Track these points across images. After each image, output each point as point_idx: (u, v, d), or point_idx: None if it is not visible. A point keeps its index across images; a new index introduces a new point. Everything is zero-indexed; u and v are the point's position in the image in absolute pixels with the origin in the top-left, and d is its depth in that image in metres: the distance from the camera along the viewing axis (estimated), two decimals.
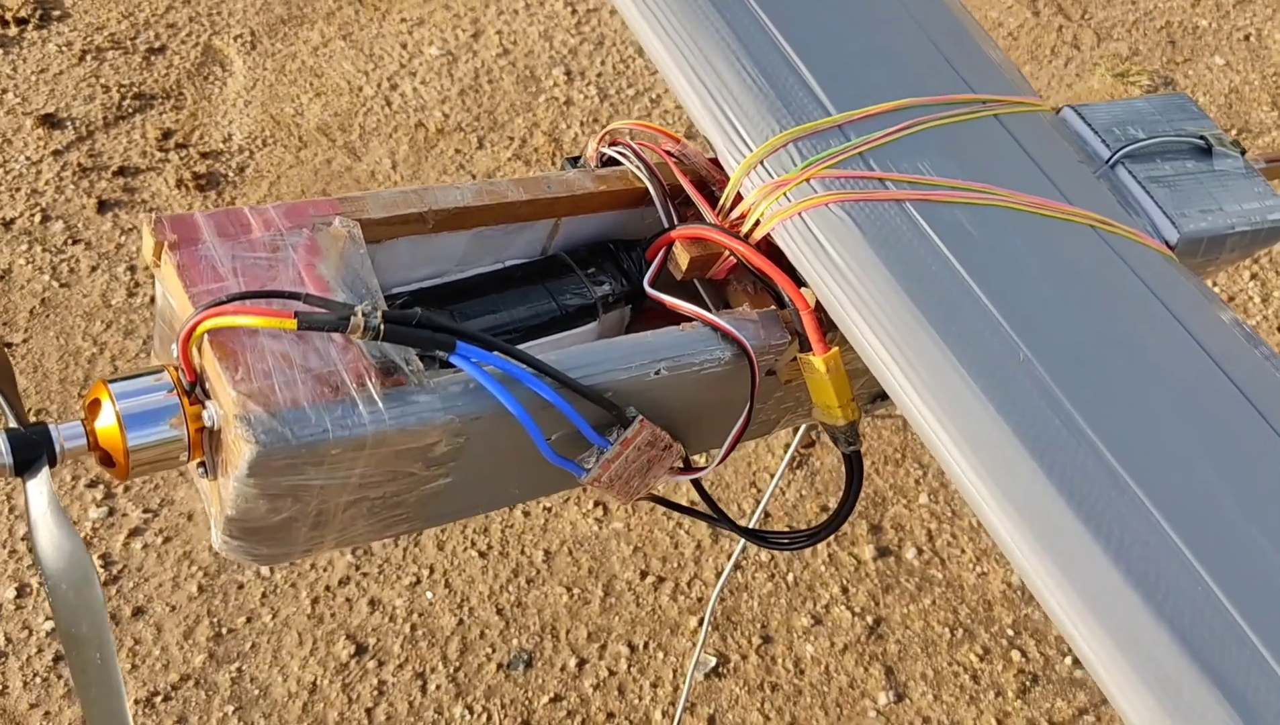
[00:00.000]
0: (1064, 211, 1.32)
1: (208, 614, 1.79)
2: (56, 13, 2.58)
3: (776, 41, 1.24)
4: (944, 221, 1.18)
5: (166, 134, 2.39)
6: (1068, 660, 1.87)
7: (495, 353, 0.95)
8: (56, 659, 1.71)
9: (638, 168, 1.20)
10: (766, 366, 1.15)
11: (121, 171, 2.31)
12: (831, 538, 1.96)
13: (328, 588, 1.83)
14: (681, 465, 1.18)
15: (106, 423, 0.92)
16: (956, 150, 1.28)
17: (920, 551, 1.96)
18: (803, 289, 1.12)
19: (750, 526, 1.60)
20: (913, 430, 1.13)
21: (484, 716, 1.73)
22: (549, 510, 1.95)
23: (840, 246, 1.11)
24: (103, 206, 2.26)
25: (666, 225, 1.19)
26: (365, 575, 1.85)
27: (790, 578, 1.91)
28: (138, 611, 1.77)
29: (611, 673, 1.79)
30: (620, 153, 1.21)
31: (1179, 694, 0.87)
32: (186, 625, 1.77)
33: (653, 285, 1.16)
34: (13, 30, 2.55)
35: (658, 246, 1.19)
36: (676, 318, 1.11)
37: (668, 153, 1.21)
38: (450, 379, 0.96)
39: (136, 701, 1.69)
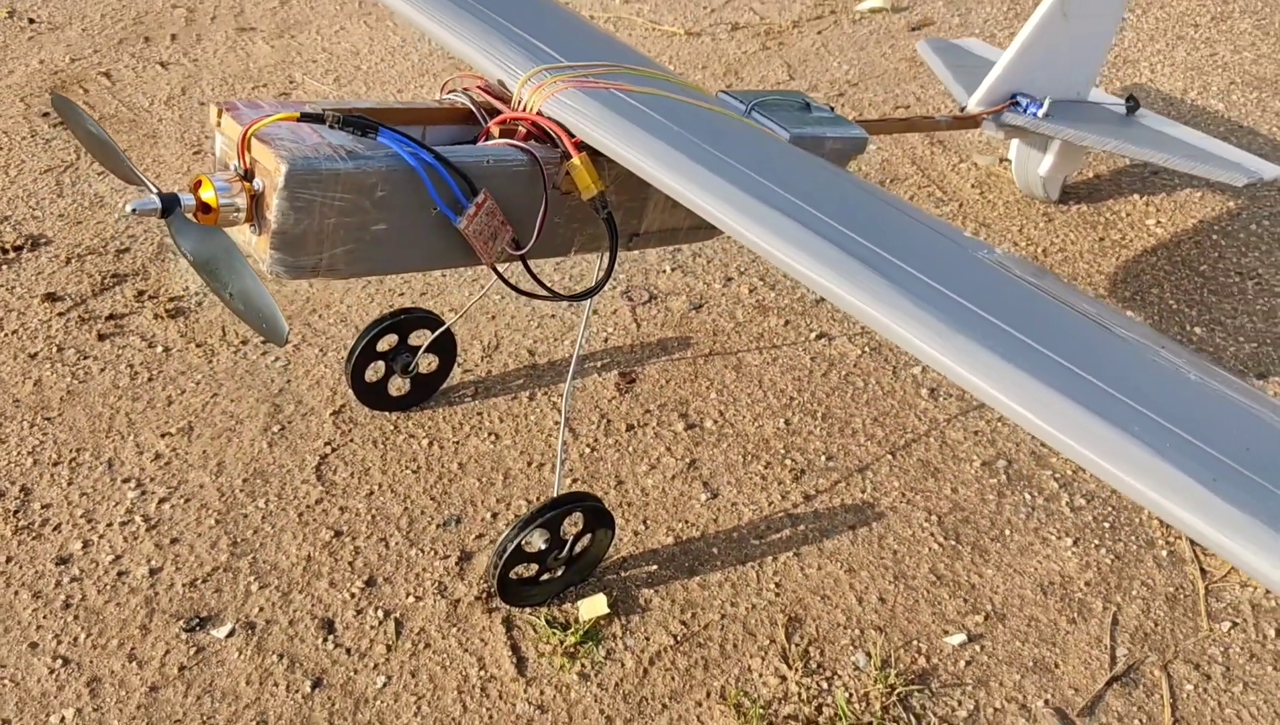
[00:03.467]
0: (715, 109, 2.27)
1: (224, 533, 2.42)
2: (44, 240, 3.41)
3: (523, 36, 2.21)
4: (638, 98, 2.10)
5: (140, 293, 3.19)
6: (823, 458, 2.64)
7: (403, 138, 1.81)
8: (119, 574, 2.33)
9: (463, 97, 2.11)
10: (551, 176, 2.02)
11: (112, 317, 3.08)
12: (630, 392, 2.73)
13: (308, 506, 2.49)
14: (514, 248, 2.03)
15: (208, 194, 1.74)
16: (642, 81, 2.23)
17: (715, 422, 2.74)
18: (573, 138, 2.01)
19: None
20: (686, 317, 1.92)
21: (432, 552, 2.39)
22: (458, 444, 2.68)
23: (579, 105, 2.01)
24: (102, 337, 3.01)
25: (483, 122, 2.09)
26: (333, 496, 2.52)
27: (630, 448, 2.66)
28: (174, 540, 2.40)
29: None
30: (452, 92, 2.13)
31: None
32: (210, 541, 2.40)
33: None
34: (11, 254, 3.36)
35: (482, 135, 2.08)
36: None
37: (479, 87, 2.13)
38: (381, 150, 1.81)
39: (183, 585, 2.31)
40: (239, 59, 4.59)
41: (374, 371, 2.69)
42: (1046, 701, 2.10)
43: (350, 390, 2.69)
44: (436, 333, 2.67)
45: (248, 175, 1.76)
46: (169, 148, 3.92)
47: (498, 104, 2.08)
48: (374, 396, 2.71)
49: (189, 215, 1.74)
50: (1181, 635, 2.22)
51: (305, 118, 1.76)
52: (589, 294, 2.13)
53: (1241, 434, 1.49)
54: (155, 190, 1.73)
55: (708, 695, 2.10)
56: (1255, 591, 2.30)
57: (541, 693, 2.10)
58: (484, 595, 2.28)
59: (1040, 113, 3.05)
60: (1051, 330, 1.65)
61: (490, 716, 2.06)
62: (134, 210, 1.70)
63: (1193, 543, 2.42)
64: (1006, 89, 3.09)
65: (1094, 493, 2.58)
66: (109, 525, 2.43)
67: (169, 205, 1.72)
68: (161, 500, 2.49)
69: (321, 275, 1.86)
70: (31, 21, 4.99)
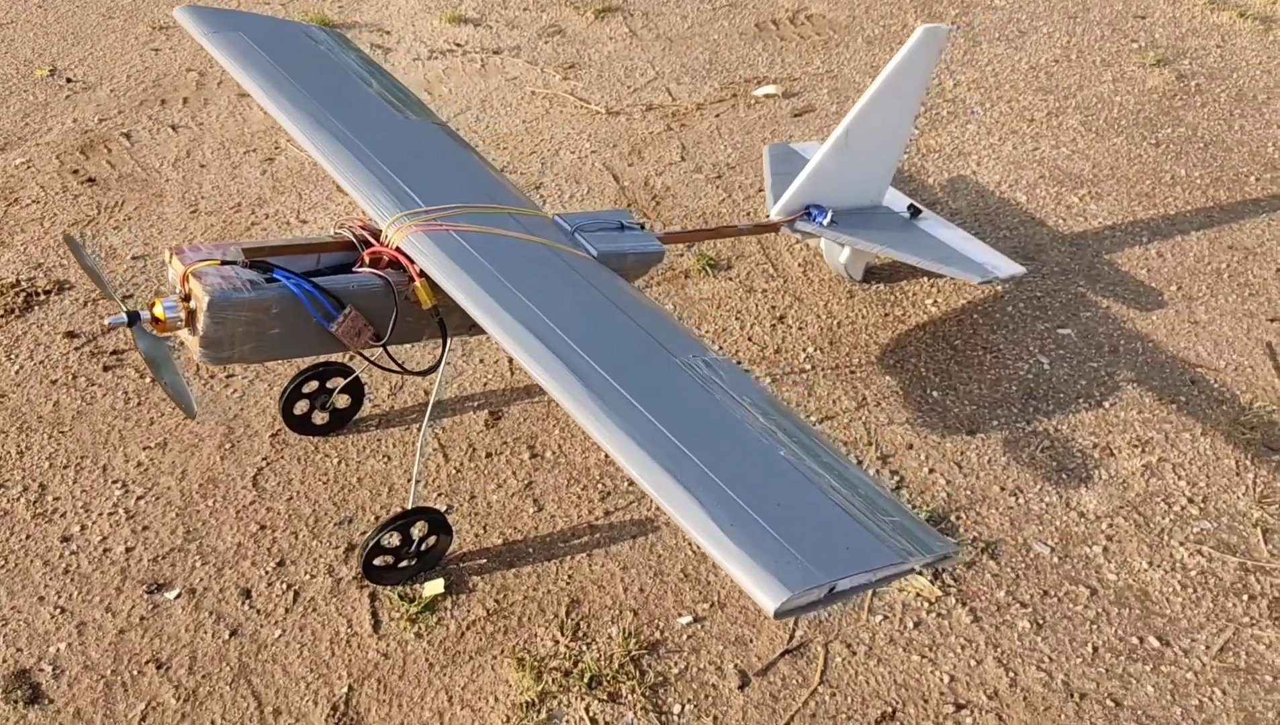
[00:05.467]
0: (535, 240, 3.11)
1: (181, 524, 3.29)
2: (67, 286, 4.29)
3: (400, 185, 3.05)
4: (468, 238, 2.94)
5: None
6: (625, 484, 3.48)
7: (289, 274, 2.67)
8: (105, 550, 3.20)
9: (348, 232, 2.96)
10: (402, 292, 2.87)
11: (115, 352, 3.95)
12: (495, 428, 3.58)
13: (244, 506, 3.36)
14: (375, 341, 2.88)
15: (159, 310, 2.60)
16: (482, 220, 3.07)
17: (554, 453, 3.59)
18: (415, 266, 2.86)
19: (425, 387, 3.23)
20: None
21: (328, 543, 3.25)
22: (359, 463, 3.54)
23: (421, 245, 2.85)
24: (106, 368, 3.88)
25: (360, 250, 2.94)
26: (263, 499, 3.39)
27: (486, 471, 3.51)
28: (145, 528, 3.28)
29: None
30: (340, 228, 2.98)
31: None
32: (171, 529, 3.27)
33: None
34: (42, 297, 4.25)
35: (359, 261, 2.93)
36: None
37: (362, 226, 2.98)
38: (276, 285, 2.67)
39: (149, 560, 3.18)
40: (236, 124, 5.46)
41: (301, 407, 3.55)
42: (735, 665, 2.94)
43: (281, 420, 3.56)
44: (348, 380, 3.53)
45: (186, 297, 2.62)
46: (171, 206, 4.79)
47: (371, 238, 2.94)
48: (301, 425, 3.58)
49: (146, 326, 2.61)
50: (846, 624, 3.06)
51: (224, 262, 2.62)
52: (429, 372, 2.99)
53: (781, 497, 2.32)
54: (124, 309, 2.60)
55: (502, 651, 2.96)
56: (907, 594, 3.13)
57: (388, 645, 2.97)
58: (359, 576, 3.14)
59: (825, 221, 3.87)
60: (688, 419, 2.47)
61: (349, 659, 2.93)
62: (109, 323, 2.57)
63: None
64: (803, 201, 3.90)
65: None
66: (100, 514, 3.31)
67: (133, 319, 2.59)
68: (139, 498, 3.37)
69: (235, 362, 2.73)
70: (69, 81, 5.87)
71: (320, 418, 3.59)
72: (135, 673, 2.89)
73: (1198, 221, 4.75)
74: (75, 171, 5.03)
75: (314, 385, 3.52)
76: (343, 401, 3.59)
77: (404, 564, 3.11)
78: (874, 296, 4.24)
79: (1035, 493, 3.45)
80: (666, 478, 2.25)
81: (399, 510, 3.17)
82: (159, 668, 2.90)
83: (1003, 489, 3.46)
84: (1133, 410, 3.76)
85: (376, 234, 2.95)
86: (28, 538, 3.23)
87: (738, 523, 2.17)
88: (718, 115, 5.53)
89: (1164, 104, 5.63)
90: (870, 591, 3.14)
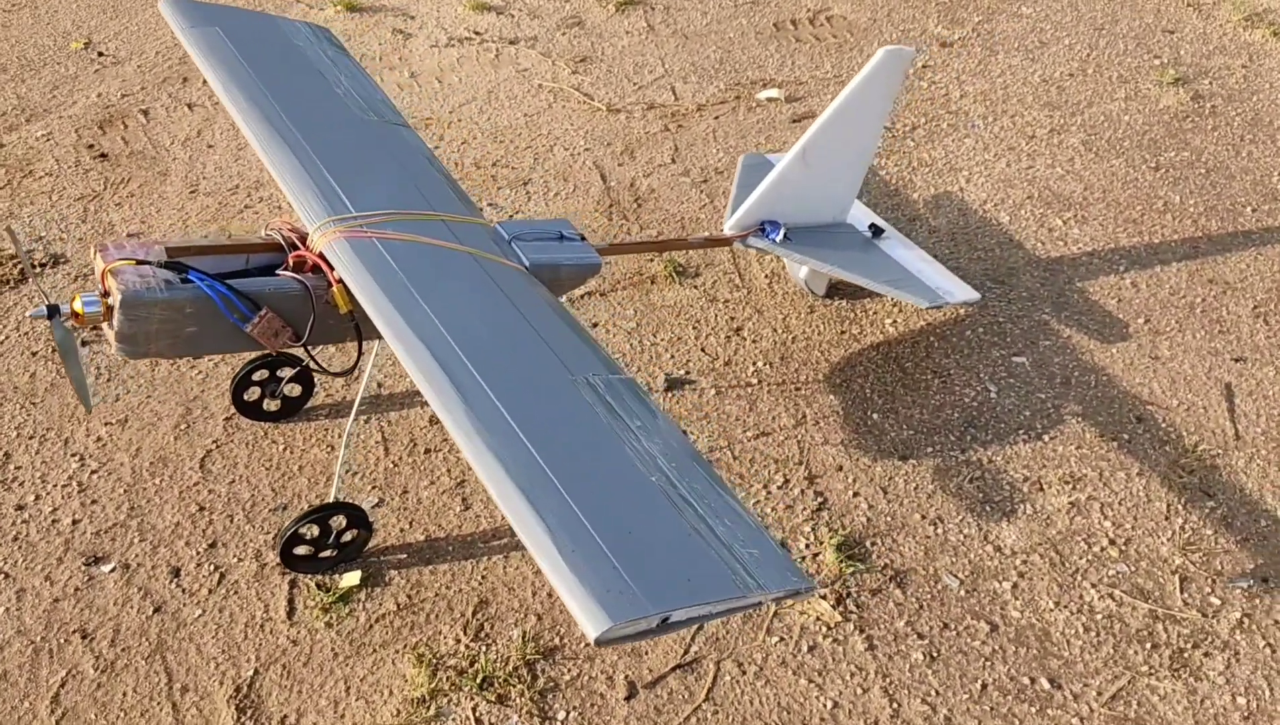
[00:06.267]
0: (461, 249, 3.18)
1: (127, 500, 3.45)
2: (63, 259, 4.48)
3: (335, 189, 3.14)
4: (389, 246, 3.01)
5: None
6: None
7: (203, 276, 2.78)
8: (54, 521, 3.37)
9: (277, 234, 3.06)
10: (319, 297, 2.96)
11: (95, 327, 4.14)
12: (440, 424, 3.68)
13: (188, 487, 3.51)
14: (294, 341, 2.98)
15: (78, 305, 2.73)
16: (411, 227, 3.15)
17: None
18: (334, 272, 2.95)
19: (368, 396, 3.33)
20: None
21: (260, 529, 3.39)
22: (304, 451, 3.67)
23: (340, 251, 2.94)
24: (84, 343, 4.06)
25: (287, 251, 3.04)
26: (207, 481, 3.53)
27: (422, 467, 3.61)
28: (94, 502, 3.45)
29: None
30: (269, 231, 3.08)
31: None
32: (117, 504, 3.43)
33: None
34: (37, 270, 4.45)
35: (285, 264, 3.03)
36: None
37: (289, 228, 3.08)
38: (191, 285, 2.78)
39: (92, 534, 3.34)
40: None
41: (252, 394, 3.68)
42: (626, 676, 3.01)
43: (232, 406, 3.69)
44: (296, 370, 3.65)
45: (105, 293, 2.75)
46: (173, 185, 4.96)
47: (298, 241, 3.04)
48: (252, 411, 3.71)
49: (66, 320, 2.75)
50: (742, 643, 3.10)
51: (141, 262, 2.74)
52: (347, 373, 3.09)
53: (635, 524, 2.37)
54: (46, 300, 2.73)
55: (404, 646, 3.07)
56: (805, 616, 3.16)
57: (298, 632, 3.09)
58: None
59: (778, 238, 3.88)
60: (561, 440, 2.52)
61: (259, 643, 3.06)
62: (31, 315, 2.70)
63: None
64: (758, 216, 3.91)
65: None
66: (55, 486, 3.48)
67: (53, 311, 2.72)
68: (93, 472, 3.53)
69: (152, 356, 2.86)
70: (101, 55, 6.08)
71: (271, 405, 3.72)
72: (62, 641, 3.05)
73: (1182, 251, 4.65)
74: (90, 146, 5.22)
75: (264, 373, 3.65)
76: (295, 390, 3.71)
77: (324, 554, 3.23)
78: (834, 313, 4.25)
79: (956, 523, 3.45)
80: (518, 497, 2.31)
81: (315, 503, 3.29)
82: (84, 638, 3.06)
83: (924, 517, 3.47)
84: (1071, 445, 3.72)
85: (305, 237, 3.05)
86: None
87: (579, 548, 2.23)
88: (717, 117, 5.54)
89: (1173, 125, 5.49)
90: (771, 611, 3.19)
